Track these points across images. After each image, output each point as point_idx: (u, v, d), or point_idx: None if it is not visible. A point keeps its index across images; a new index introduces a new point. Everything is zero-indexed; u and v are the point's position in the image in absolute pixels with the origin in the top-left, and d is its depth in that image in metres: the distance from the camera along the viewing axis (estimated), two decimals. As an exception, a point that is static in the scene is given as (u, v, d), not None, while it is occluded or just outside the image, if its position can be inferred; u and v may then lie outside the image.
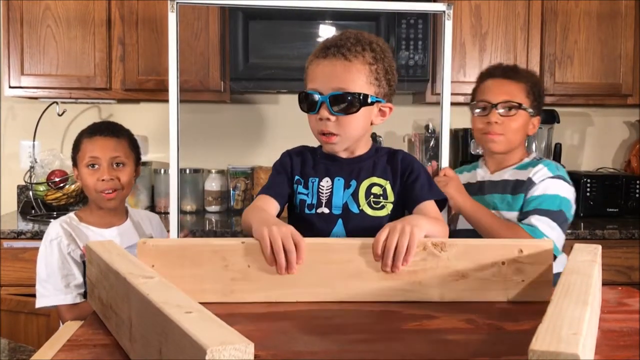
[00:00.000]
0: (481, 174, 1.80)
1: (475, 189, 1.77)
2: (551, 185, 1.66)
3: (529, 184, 1.67)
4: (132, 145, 1.81)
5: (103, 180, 1.72)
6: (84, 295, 1.72)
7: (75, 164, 1.80)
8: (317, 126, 1.33)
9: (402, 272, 1.06)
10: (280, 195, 1.37)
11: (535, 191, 1.66)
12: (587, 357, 0.66)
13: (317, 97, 1.30)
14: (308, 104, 1.33)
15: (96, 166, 1.73)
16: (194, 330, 0.63)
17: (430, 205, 1.35)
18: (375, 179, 1.38)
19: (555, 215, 1.62)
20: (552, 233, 1.59)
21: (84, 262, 1.71)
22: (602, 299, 1.02)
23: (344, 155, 1.40)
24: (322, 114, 1.30)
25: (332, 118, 1.31)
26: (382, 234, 1.08)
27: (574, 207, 1.69)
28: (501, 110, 1.68)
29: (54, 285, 1.71)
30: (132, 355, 0.81)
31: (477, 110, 1.74)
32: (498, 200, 1.70)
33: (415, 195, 1.36)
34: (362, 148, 1.40)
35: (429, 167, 1.73)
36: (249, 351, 0.61)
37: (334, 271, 1.06)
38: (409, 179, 1.38)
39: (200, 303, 0.97)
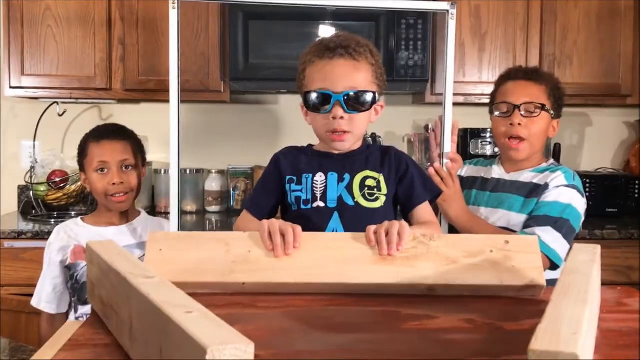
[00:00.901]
0: (497, 171, 1.78)
1: (491, 186, 1.76)
2: (564, 193, 1.63)
3: (544, 189, 1.65)
4: (138, 146, 1.82)
5: (114, 184, 1.72)
6: (68, 306, 1.78)
7: (82, 169, 1.79)
8: (328, 125, 1.36)
9: (396, 258, 1.09)
10: (263, 213, 1.41)
11: (548, 197, 1.63)
12: (587, 357, 0.66)
13: (330, 96, 1.33)
14: (319, 103, 1.35)
15: (105, 170, 1.73)
16: (194, 330, 0.64)
17: (424, 208, 1.41)
18: (368, 172, 1.41)
19: (562, 224, 1.60)
20: (556, 244, 1.57)
21: (68, 267, 1.73)
22: (602, 299, 1.02)
23: (338, 152, 1.42)
24: (335, 113, 1.34)
25: (346, 116, 1.34)
26: (371, 227, 1.10)
27: (582, 219, 1.67)
28: (524, 112, 1.66)
29: (41, 288, 1.77)
30: (133, 354, 0.81)
31: (499, 113, 1.70)
32: (512, 200, 1.69)
33: (412, 198, 1.41)
34: (356, 145, 1.44)
35: (430, 168, 1.72)
36: (249, 351, 0.61)
37: (330, 256, 1.09)
38: (404, 179, 1.42)
39: (200, 282, 1.03)
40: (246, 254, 1.09)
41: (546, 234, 1.57)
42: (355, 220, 1.35)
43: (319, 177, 1.40)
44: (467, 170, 1.89)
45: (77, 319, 1.72)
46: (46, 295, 1.76)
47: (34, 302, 1.78)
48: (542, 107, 1.66)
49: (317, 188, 1.39)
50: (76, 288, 1.73)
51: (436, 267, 1.08)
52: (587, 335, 0.69)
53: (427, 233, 1.12)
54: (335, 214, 1.37)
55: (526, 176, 1.71)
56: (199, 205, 2.93)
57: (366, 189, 1.39)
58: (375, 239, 1.09)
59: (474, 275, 1.08)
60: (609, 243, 2.44)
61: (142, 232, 1.81)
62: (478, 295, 1.08)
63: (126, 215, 1.82)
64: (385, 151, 1.46)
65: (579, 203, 1.65)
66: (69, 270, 1.73)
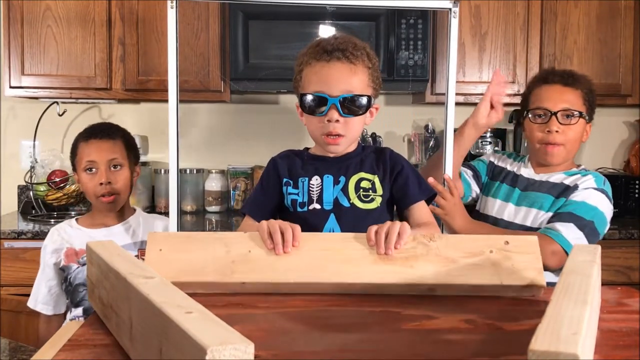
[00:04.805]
0: (526, 171, 1.76)
1: (522, 184, 1.74)
2: (593, 196, 1.62)
3: (574, 189, 1.64)
4: (129, 145, 1.79)
5: (101, 184, 1.70)
6: (65, 309, 1.78)
7: (74, 168, 1.79)
8: (323, 128, 1.36)
9: (395, 258, 1.09)
10: (265, 217, 1.37)
11: (576, 197, 1.62)
12: (587, 357, 0.66)
13: (326, 99, 1.33)
14: (315, 106, 1.35)
15: (94, 170, 1.72)
16: (194, 330, 0.63)
17: (421, 208, 1.40)
18: (363, 174, 1.42)
19: (586, 225, 1.58)
20: (576, 243, 1.53)
21: (62, 269, 1.73)
22: (602, 299, 1.02)
23: (332, 154, 1.43)
24: (331, 116, 1.34)
25: (341, 120, 1.34)
26: (373, 227, 1.11)
27: (608, 225, 1.65)
28: (561, 119, 1.64)
29: (37, 289, 1.78)
30: (133, 355, 0.81)
31: (535, 118, 1.69)
32: (542, 199, 1.67)
33: (406, 197, 1.41)
34: (350, 147, 1.44)
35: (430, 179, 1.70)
36: (249, 351, 0.61)
37: (330, 256, 1.10)
38: (398, 178, 1.42)
39: (200, 282, 1.04)
40: (246, 254, 1.09)
41: (568, 231, 1.56)
42: (352, 221, 1.36)
43: (315, 180, 1.41)
44: (497, 159, 1.87)
45: (72, 320, 1.72)
46: (42, 297, 1.76)
47: (30, 303, 1.78)
48: (580, 114, 1.65)
49: (313, 191, 1.40)
50: (69, 290, 1.72)
51: (436, 267, 1.08)
52: (587, 335, 0.69)
53: (427, 234, 1.13)
54: (332, 216, 1.38)
55: (557, 177, 1.69)
56: (198, 205, 2.93)
57: (361, 190, 1.40)
58: (374, 238, 1.09)
59: (474, 275, 1.08)
60: (609, 243, 2.44)
61: (136, 230, 1.79)
62: (478, 296, 1.08)
63: (120, 215, 1.79)
64: (380, 152, 1.46)
65: (606, 208, 1.64)
66: (63, 272, 1.73)
